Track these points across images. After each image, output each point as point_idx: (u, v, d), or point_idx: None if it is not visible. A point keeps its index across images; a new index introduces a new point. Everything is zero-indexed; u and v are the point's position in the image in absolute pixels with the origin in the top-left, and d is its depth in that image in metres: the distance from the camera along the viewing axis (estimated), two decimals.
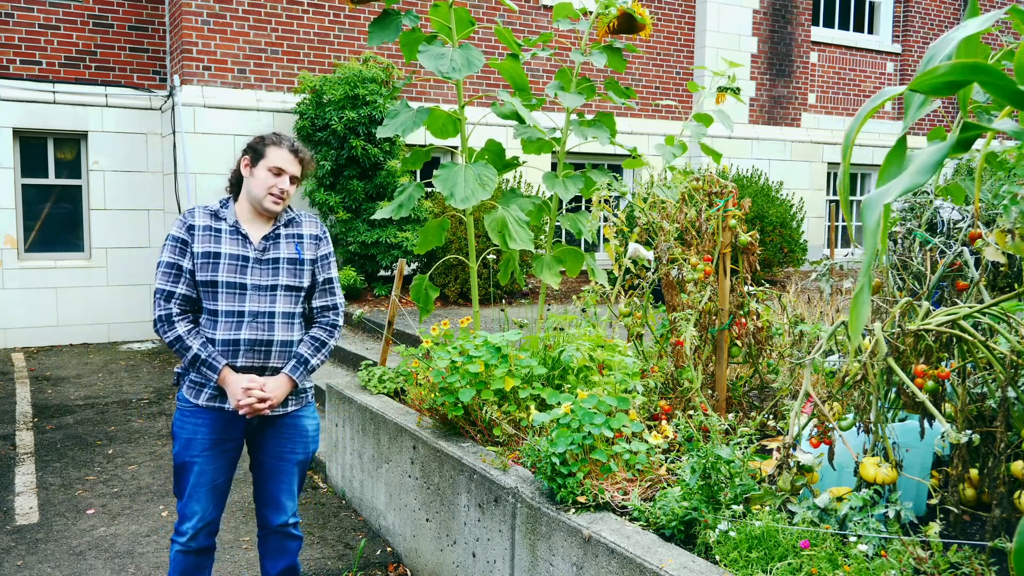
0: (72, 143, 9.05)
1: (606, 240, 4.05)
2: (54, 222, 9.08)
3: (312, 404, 3.05)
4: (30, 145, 8.87)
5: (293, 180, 2.87)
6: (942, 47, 1.12)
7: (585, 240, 7.08)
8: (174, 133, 8.55)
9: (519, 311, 7.65)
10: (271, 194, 2.80)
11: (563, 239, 10.34)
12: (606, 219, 4.09)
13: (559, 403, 3.02)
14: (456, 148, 4.51)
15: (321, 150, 8.20)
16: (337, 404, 4.67)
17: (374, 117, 8.05)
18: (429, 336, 3.82)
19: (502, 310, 5.49)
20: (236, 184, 2.92)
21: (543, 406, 3.45)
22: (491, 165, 3.91)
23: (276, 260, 2.84)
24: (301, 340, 2.91)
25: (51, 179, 8.99)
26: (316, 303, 2.96)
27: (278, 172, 2.82)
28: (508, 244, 3.99)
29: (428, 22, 4.40)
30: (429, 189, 8.90)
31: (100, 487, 4.80)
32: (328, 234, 3.01)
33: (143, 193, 9.21)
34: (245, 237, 2.82)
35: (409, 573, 3.77)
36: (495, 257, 5.39)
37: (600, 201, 4.05)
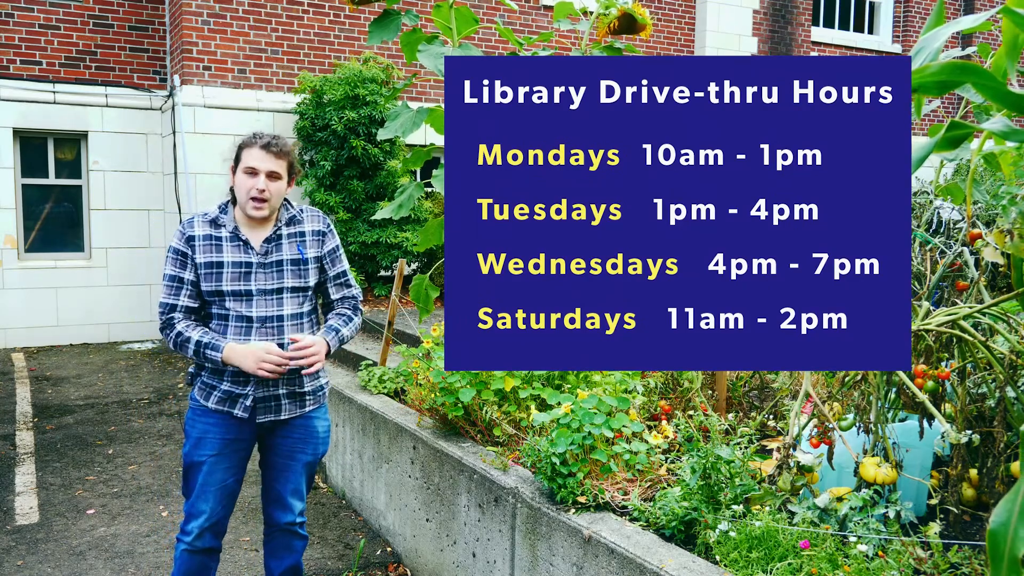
0: (72, 143, 9.05)
1: None
2: (54, 222, 9.08)
3: (325, 405, 3.05)
4: (30, 145, 8.87)
5: (274, 176, 2.77)
6: (931, 41, 1.12)
7: None
8: (174, 133, 8.55)
9: None
10: (251, 198, 2.74)
11: None
12: None
13: (559, 403, 3.03)
14: None
15: (321, 150, 8.20)
16: (337, 404, 4.68)
17: (374, 117, 8.05)
18: (429, 336, 3.83)
19: None
20: None
21: (543, 406, 3.45)
22: None
23: (279, 263, 2.82)
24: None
25: (51, 179, 8.99)
26: (334, 295, 2.96)
27: (253, 172, 2.74)
28: None
29: (429, 22, 4.40)
30: (429, 189, 8.90)
31: (100, 487, 4.81)
32: (333, 227, 2.98)
33: (143, 193, 9.22)
34: (246, 243, 2.79)
35: (409, 573, 3.77)
36: None
37: None
